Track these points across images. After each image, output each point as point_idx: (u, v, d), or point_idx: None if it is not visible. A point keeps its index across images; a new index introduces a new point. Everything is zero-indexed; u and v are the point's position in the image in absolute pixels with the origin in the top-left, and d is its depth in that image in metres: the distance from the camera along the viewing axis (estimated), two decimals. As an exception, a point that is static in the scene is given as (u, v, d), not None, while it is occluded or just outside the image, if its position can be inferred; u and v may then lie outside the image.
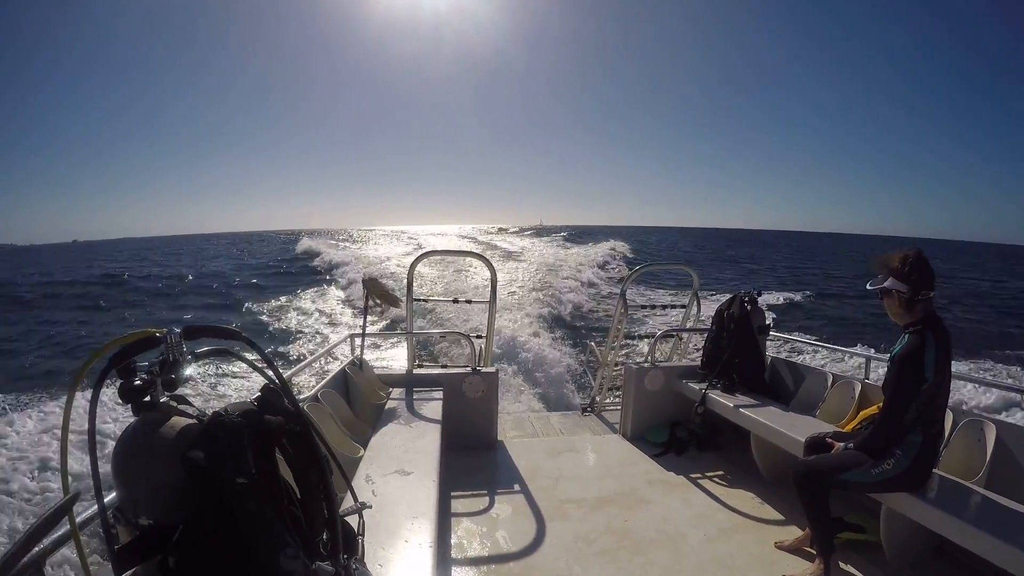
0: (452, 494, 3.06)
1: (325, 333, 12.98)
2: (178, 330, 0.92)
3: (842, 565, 2.41)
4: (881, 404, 2.68)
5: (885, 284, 2.17)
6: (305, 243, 39.21)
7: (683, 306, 4.91)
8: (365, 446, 2.60)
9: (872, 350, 5.63)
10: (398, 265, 24.26)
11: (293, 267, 28.68)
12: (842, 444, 2.37)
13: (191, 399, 0.94)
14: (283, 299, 17.95)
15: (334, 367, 3.45)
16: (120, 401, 0.83)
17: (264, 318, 15.28)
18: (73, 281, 25.74)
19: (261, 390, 0.96)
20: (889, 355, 2.27)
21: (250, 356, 1.03)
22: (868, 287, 2.24)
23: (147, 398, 0.85)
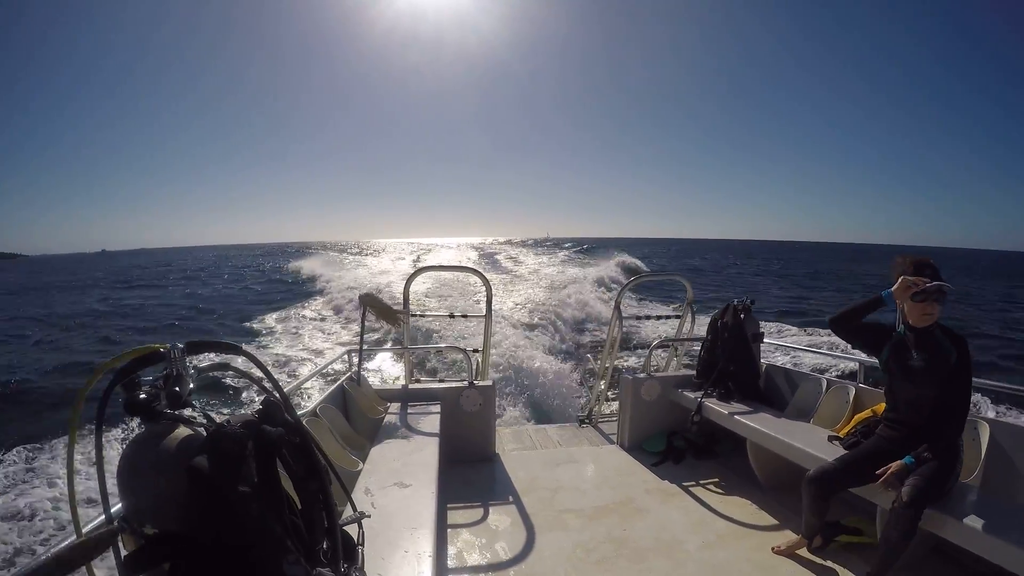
0: (450, 505, 3.07)
1: (323, 349, 12.94)
2: (181, 345, 0.93)
3: (839, 568, 2.43)
4: (876, 407, 2.73)
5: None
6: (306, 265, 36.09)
7: (678, 316, 4.95)
8: (364, 460, 2.61)
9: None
10: (401, 276, 23.93)
11: (292, 287, 28.19)
12: (904, 460, 2.18)
13: (195, 412, 0.97)
14: (281, 314, 17.89)
15: (332, 383, 3.47)
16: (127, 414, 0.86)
17: (263, 336, 15.21)
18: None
19: (262, 402, 0.99)
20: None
21: (252, 371, 1.07)
22: (883, 294, 2.33)
23: (153, 410, 0.87)
